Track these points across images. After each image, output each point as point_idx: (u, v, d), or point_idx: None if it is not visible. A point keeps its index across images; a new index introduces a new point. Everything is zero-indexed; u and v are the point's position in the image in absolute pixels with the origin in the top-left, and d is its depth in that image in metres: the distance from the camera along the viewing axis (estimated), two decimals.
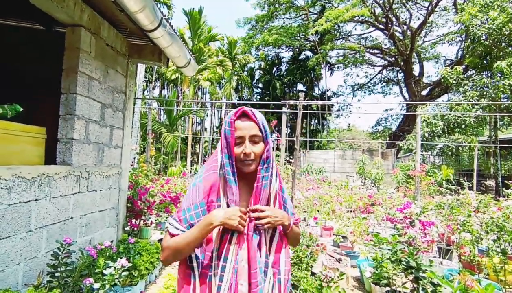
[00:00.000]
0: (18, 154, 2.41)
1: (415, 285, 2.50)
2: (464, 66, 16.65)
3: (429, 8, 19.69)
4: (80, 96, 2.85)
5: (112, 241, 3.13)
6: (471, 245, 3.39)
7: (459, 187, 10.10)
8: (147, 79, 24.80)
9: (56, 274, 2.20)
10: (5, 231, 2.02)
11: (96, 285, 2.22)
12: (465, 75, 15.30)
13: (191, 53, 4.14)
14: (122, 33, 3.60)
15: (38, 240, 2.33)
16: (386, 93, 27.34)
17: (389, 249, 2.69)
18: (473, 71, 15.31)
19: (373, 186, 11.42)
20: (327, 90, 28.22)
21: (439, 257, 4.60)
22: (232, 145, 1.08)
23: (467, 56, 14.42)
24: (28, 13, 3.38)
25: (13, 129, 2.36)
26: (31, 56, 3.85)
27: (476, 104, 12.59)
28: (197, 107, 22.89)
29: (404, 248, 2.79)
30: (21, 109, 2.56)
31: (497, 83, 12.66)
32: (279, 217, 1.12)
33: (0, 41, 3.87)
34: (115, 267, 2.48)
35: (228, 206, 1.10)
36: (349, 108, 28.13)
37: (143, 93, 17.57)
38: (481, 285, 2.19)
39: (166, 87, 27.25)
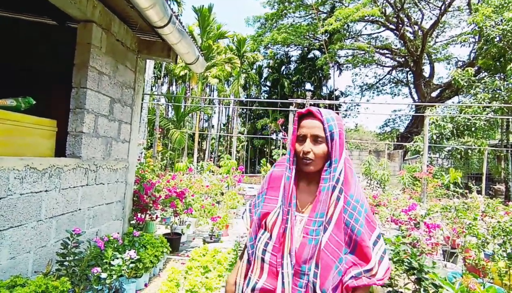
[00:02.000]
0: (30, 146, 2.47)
1: (417, 286, 2.50)
2: (476, 68, 16.38)
3: (442, 8, 19.38)
4: (90, 90, 2.91)
5: (118, 234, 3.19)
6: (477, 249, 3.36)
7: (467, 191, 9.98)
8: (155, 75, 24.99)
9: (64, 263, 2.26)
10: (17, 219, 2.09)
11: (103, 275, 2.28)
12: (477, 77, 15.06)
13: (199, 50, 4.18)
14: (132, 29, 3.65)
15: (47, 230, 2.40)
16: (395, 94, 27.07)
17: (392, 250, 2.70)
18: (485, 73, 15.05)
19: (378, 187, 11.35)
20: (335, 90, 28.05)
21: (444, 260, 4.58)
22: (292, 142, 1.12)
23: (480, 57, 14.18)
24: (42, 9, 3.46)
25: (26, 122, 2.42)
26: (42, 51, 3.93)
27: (488, 107, 12.39)
28: (204, 104, 23.00)
29: (407, 250, 2.79)
30: (34, 102, 2.62)
31: (510, 85, 12.44)
32: None
33: (12, 37, 3.96)
34: (123, 258, 2.54)
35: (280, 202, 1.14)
36: (357, 108, 27.94)
37: (151, 89, 17.76)
38: (484, 288, 2.19)
39: (174, 84, 27.42)
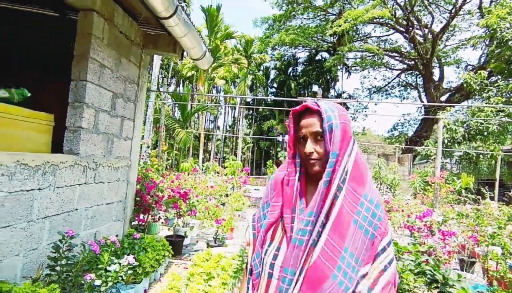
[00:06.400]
0: (24, 141, 2.31)
1: None
2: (487, 71, 16.01)
3: (453, 11, 19.03)
4: (91, 83, 2.74)
5: (117, 235, 3.03)
6: (502, 260, 3.11)
7: (479, 197, 9.64)
8: (163, 75, 24.99)
9: (56, 268, 2.09)
10: (5, 219, 1.92)
11: (98, 282, 2.10)
12: (489, 81, 14.69)
13: (206, 46, 4.01)
14: (137, 21, 3.50)
15: (39, 231, 2.23)
16: (404, 97, 26.64)
17: (411, 260, 2.48)
18: (498, 77, 14.67)
19: (388, 192, 11.04)
20: (343, 93, 27.77)
21: (460, 270, 4.32)
22: (290, 142, 1.01)
23: (492, 61, 13.83)
24: None
25: (19, 115, 2.26)
26: (42, 42, 3.80)
27: (502, 111, 12.03)
28: (210, 102, 22.91)
29: (427, 259, 2.57)
30: (29, 94, 2.47)
31: None
32: None
33: (10, 28, 3.83)
34: (120, 264, 2.36)
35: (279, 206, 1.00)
36: (365, 111, 27.54)
37: (158, 89, 17.71)
38: None
39: (181, 84, 27.41)
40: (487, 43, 17.28)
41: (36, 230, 2.20)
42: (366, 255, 0.87)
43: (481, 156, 13.36)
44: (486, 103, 13.25)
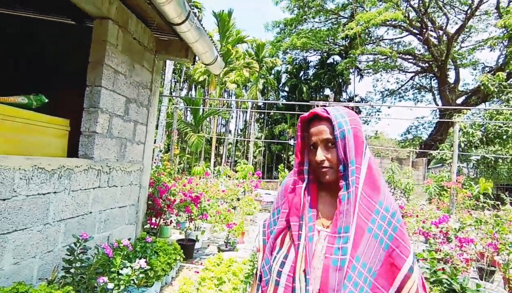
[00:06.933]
0: (41, 146, 2.37)
1: None
2: (506, 73, 15.57)
3: (469, 12, 18.64)
4: (105, 89, 2.80)
5: (130, 239, 3.06)
6: None
7: (499, 203, 9.32)
8: (175, 80, 25.34)
9: (71, 270, 2.13)
10: (22, 222, 1.97)
11: (110, 285, 2.13)
12: (508, 83, 14.27)
13: (218, 51, 4.05)
14: (150, 28, 3.56)
15: (55, 234, 2.28)
16: (418, 100, 26.20)
17: (427, 268, 2.41)
18: None
19: (402, 197, 10.82)
20: (355, 96, 27.50)
21: (478, 279, 4.18)
22: (297, 150, 1.00)
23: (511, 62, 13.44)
24: (58, 7, 3.42)
25: (37, 120, 2.33)
26: (57, 50, 3.90)
27: None
28: (221, 106, 23.06)
29: (444, 267, 2.49)
30: (47, 100, 2.53)
31: None
32: None
33: (26, 35, 3.96)
34: (132, 267, 2.38)
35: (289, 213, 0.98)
36: (378, 114, 27.20)
37: (171, 93, 17.96)
38: None
39: (193, 89, 27.72)
40: (505, 44, 16.85)
41: (52, 232, 2.24)
42: (378, 265, 0.84)
43: (500, 160, 12.94)
44: (505, 106, 12.87)
